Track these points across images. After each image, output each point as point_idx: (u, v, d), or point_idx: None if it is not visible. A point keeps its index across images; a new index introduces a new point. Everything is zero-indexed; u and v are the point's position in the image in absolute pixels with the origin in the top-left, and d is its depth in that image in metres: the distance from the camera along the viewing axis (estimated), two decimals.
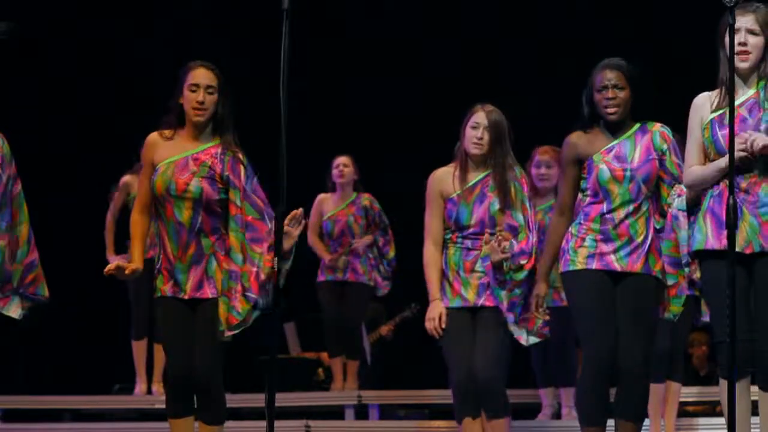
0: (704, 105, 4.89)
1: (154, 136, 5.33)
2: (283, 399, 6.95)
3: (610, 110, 5.27)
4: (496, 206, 5.66)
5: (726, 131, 4.60)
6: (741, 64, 4.79)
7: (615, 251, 5.25)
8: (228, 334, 5.20)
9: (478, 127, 5.68)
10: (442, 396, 7.14)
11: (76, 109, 10.13)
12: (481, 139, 5.67)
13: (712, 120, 4.83)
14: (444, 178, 5.76)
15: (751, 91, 4.83)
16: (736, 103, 4.73)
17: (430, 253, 5.75)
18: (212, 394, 5.25)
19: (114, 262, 5.41)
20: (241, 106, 5.43)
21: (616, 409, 5.28)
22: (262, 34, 6.73)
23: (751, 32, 4.79)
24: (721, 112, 4.78)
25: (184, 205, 5.21)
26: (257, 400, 6.57)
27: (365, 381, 8.84)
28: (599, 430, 5.23)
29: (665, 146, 5.32)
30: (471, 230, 5.68)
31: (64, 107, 10.14)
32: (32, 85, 10.05)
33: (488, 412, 5.63)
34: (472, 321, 5.69)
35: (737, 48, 4.73)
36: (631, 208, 5.28)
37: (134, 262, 5.26)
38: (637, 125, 5.36)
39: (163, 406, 5.37)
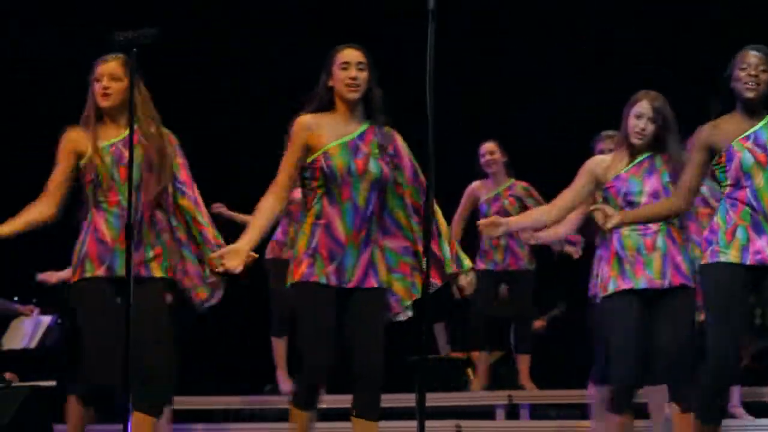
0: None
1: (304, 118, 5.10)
2: (433, 399, 7.00)
3: (750, 86, 5.20)
4: (667, 178, 5.59)
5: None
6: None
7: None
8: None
9: (642, 116, 5.64)
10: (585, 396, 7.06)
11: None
12: (644, 130, 5.62)
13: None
14: (601, 164, 5.69)
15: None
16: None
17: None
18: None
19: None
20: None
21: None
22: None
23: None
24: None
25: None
26: (407, 400, 6.63)
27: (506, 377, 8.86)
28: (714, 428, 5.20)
29: None
30: (643, 203, 5.59)
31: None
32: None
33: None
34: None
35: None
36: None
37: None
38: None
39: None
